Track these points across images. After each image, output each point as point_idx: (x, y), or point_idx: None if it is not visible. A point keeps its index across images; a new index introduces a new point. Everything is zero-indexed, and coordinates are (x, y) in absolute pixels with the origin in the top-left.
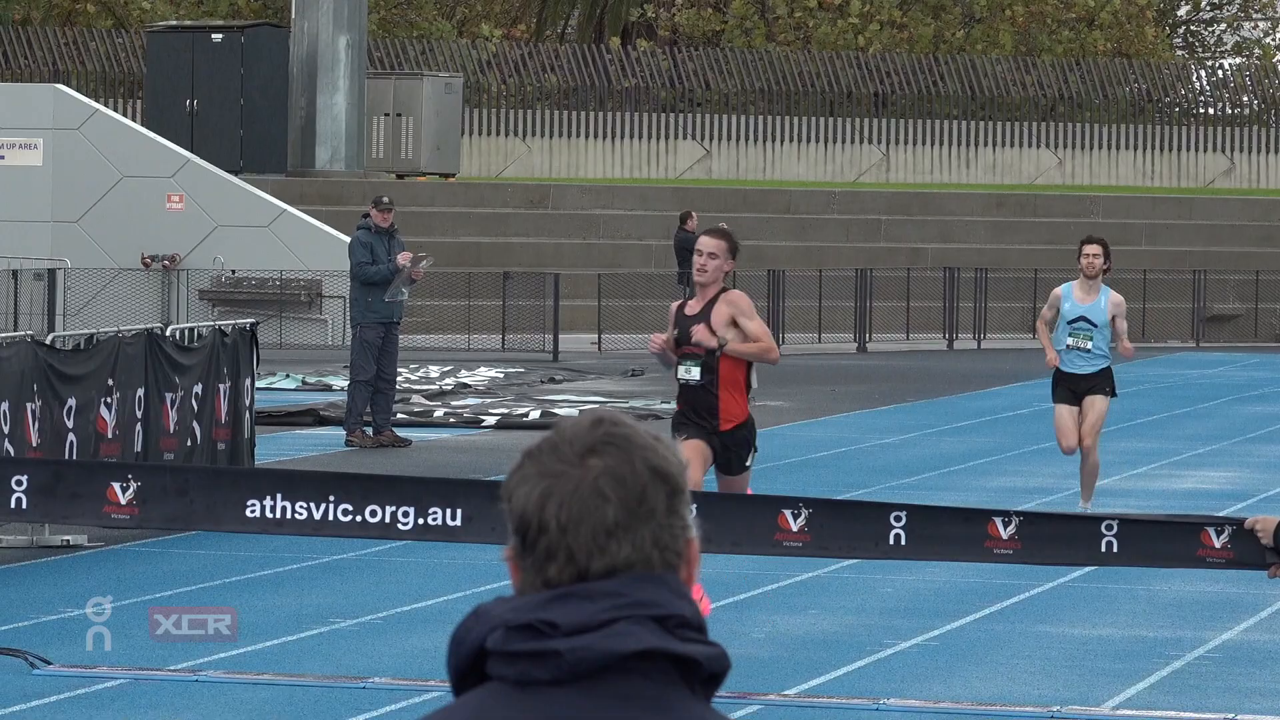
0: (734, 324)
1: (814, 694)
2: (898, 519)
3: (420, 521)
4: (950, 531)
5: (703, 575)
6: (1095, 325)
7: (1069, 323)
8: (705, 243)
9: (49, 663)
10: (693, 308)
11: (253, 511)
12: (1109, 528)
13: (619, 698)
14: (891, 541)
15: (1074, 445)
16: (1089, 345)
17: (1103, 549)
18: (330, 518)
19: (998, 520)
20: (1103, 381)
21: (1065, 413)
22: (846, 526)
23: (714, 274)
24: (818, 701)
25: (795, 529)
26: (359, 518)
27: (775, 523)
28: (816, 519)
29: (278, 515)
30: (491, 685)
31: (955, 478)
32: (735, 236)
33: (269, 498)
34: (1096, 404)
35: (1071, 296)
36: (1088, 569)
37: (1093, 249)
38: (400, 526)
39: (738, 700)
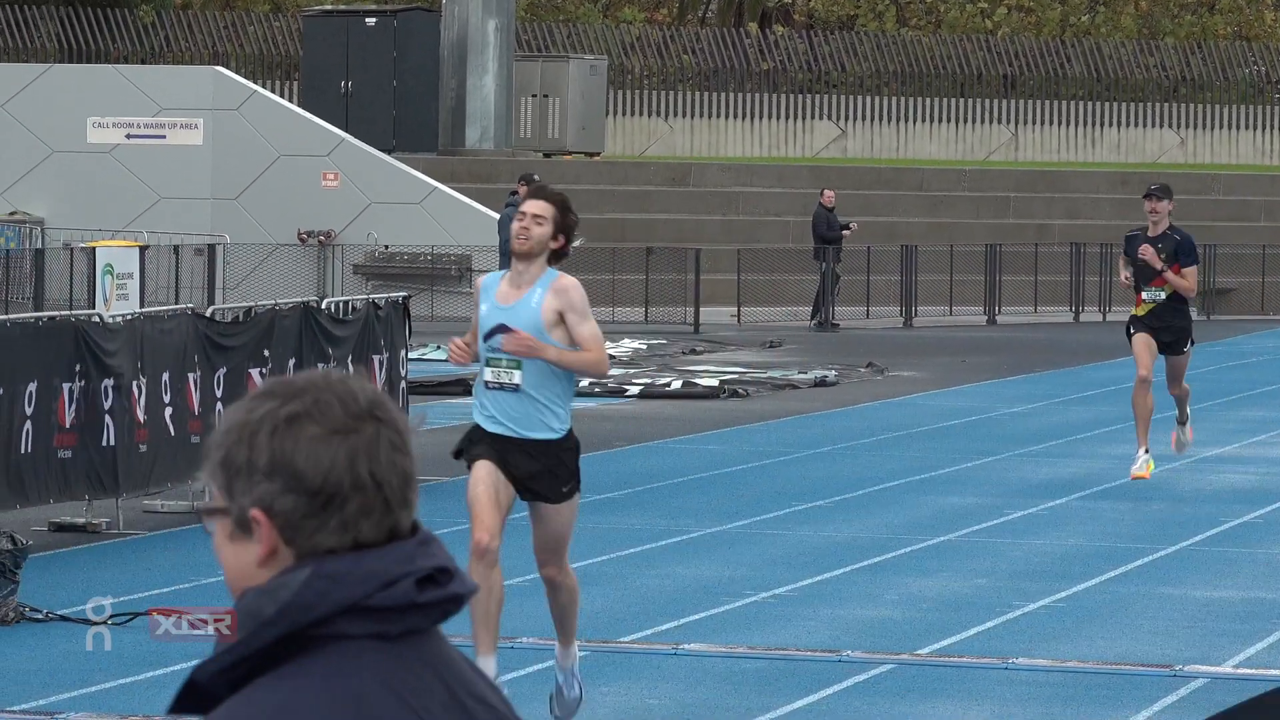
0: None
1: (944, 654)
2: None
3: None
4: None
5: (833, 541)
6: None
7: (484, 339)
8: None
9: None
10: None
11: None
12: None
13: (442, 638)
14: None
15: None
16: (515, 379)
17: None
18: None
19: None
20: (557, 477)
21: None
22: None
23: None
24: (948, 661)
25: None
26: None
27: None
28: None
29: None
30: (350, 646)
31: (1081, 445)
32: None
33: None
34: (555, 518)
35: (492, 295)
36: (1208, 534)
37: (536, 206)
38: None
39: (871, 660)
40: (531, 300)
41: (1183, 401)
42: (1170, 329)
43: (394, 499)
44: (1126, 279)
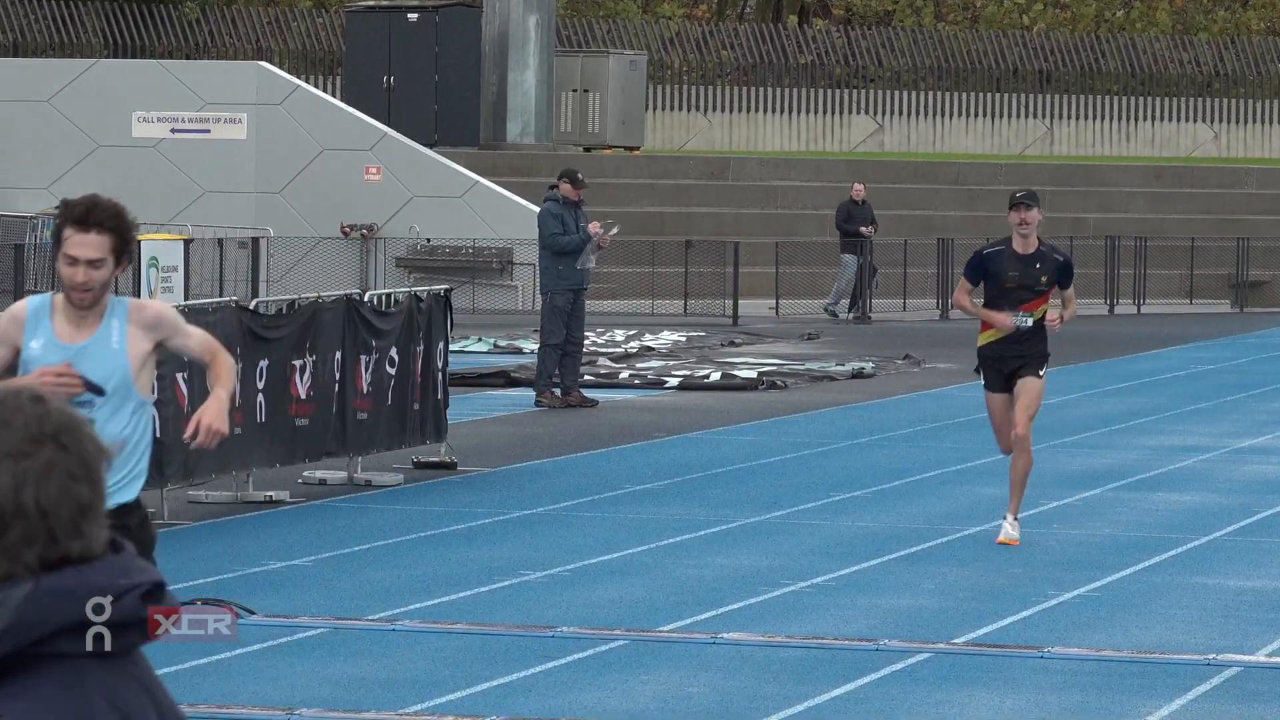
0: None
1: (981, 643)
2: None
3: None
4: None
5: (870, 531)
6: (101, 393)
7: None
8: None
9: (253, 613)
10: None
11: None
12: None
13: (143, 655)
14: None
15: None
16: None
17: None
18: None
19: None
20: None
21: None
22: None
23: None
24: (984, 650)
25: None
26: None
27: None
28: None
29: None
30: (70, 664)
31: (1116, 437)
32: None
33: None
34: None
35: (48, 328)
36: (1241, 524)
37: (90, 247)
38: None
39: (908, 648)
40: (110, 340)
41: (1019, 480)
42: (1023, 355)
43: (61, 529)
44: (972, 306)
